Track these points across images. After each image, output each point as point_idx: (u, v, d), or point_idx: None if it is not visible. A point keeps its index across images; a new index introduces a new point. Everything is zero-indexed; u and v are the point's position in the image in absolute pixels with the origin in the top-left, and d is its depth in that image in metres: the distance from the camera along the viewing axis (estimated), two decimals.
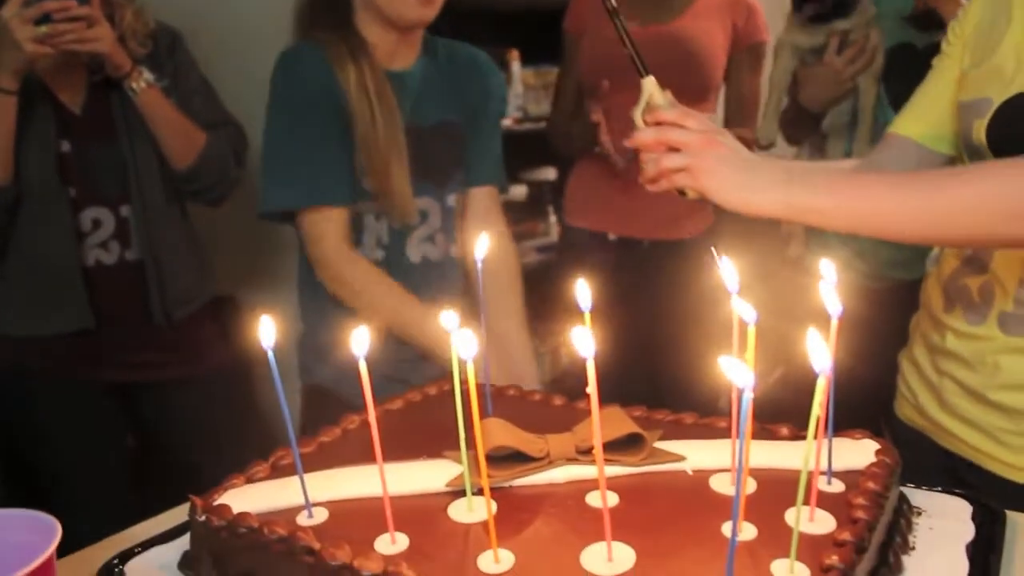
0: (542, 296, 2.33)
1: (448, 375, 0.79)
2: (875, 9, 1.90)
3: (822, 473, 0.86)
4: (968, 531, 0.90)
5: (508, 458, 0.88)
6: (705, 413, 1.03)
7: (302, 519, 0.83)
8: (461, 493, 0.85)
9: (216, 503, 0.85)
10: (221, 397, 1.96)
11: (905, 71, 1.78)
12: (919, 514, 0.93)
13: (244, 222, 2.32)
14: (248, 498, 0.87)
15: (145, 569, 0.89)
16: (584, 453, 0.89)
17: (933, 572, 0.81)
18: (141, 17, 1.82)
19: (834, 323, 0.79)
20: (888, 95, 1.91)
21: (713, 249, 0.92)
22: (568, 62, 2.40)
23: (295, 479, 0.85)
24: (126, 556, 0.92)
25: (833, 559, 0.71)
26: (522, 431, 0.90)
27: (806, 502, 0.78)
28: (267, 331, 0.81)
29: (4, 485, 1.85)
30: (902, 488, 0.94)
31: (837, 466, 0.88)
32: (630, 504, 0.83)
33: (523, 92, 2.58)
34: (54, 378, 1.82)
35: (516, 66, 2.76)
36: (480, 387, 1.04)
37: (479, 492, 0.81)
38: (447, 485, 0.87)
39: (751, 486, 0.85)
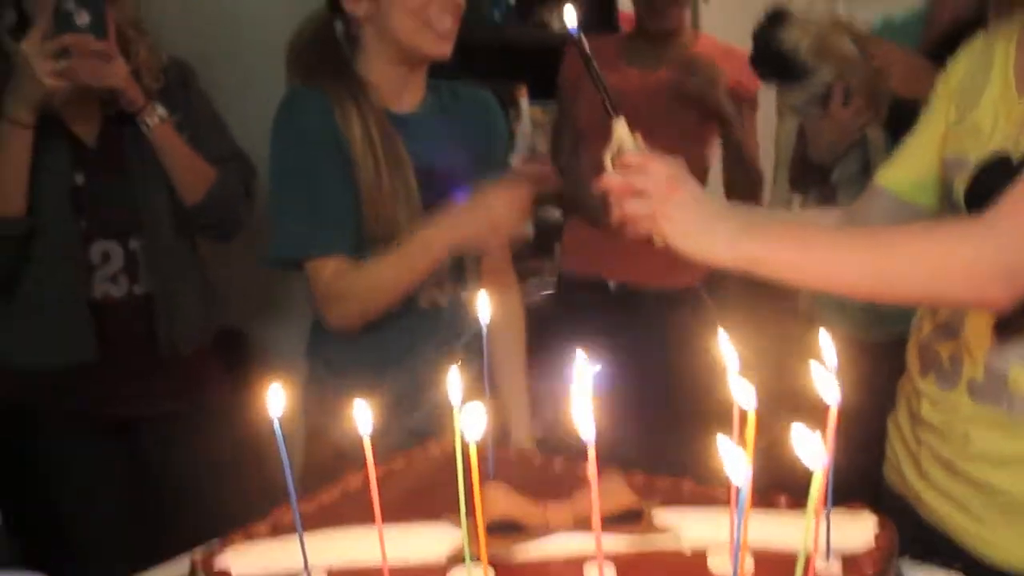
0: (545, 335, 2.34)
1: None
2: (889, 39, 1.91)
3: (820, 552, 0.86)
4: None
5: (508, 526, 0.88)
6: (706, 467, 1.03)
7: None
8: (460, 560, 0.85)
9: (217, 568, 0.85)
10: (224, 432, 1.96)
11: (910, 120, 1.78)
12: None
13: (252, 255, 2.34)
14: (248, 559, 0.87)
15: None
16: (583, 523, 0.89)
17: None
18: (154, 52, 1.84)
19: (833, 411, 0.79)
20: (893, 144, 1.91)
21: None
22: (564, 112, 2.43)
23: (295, 540, 0.86)
24: None
25: None
26: (522, 499, 0.91)
27: None
28: (275, 400, 0.81)
29: (4, 516, 1.86)
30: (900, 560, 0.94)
31: (835, 543, 0.88)
32: None
33: (531, 130, 2.59)
34: (58, 410, 1.82)
35: (524, 103, 2.78)
36: (482, 450, 1.05)
37: (478, 560, 0.81)
38: (447, 559, 0.87)
39: (748, 565, 0.86)
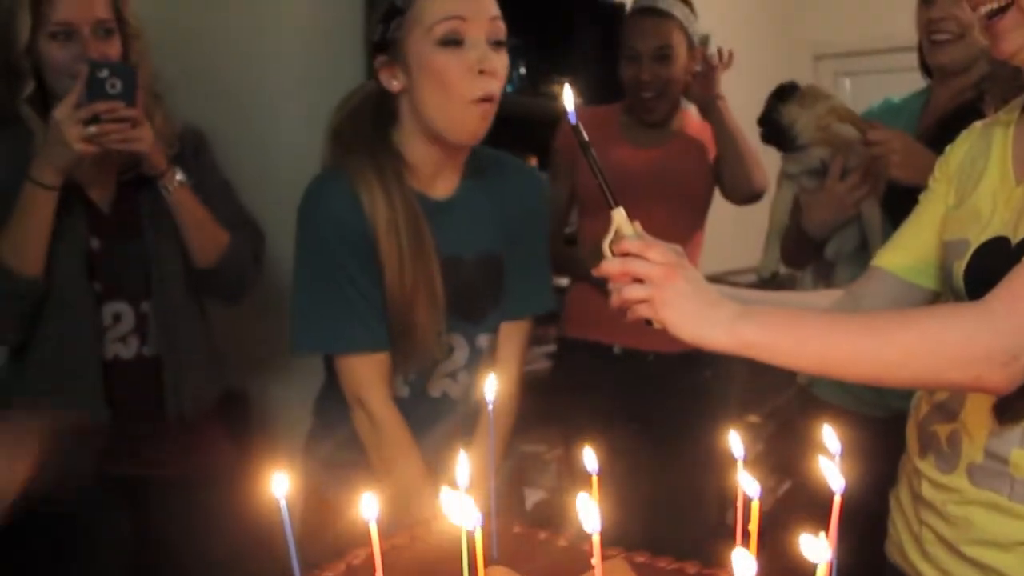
0: (549, 402, 2.35)
1: None
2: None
3: None
4: None
5: None
6: (713, 528, 1.03)
7: None
8: None
9: None
10: (226, 496, 1.96)
11: (908, 200, 1.81)
12: None
13: (257, 317, 2.36)
14: None
15: None
16: None
17: None
18: (169, 120, 1.89)
19: (836, 499, 0.80)
20: (891, 223, 1.93)
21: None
22: (559, 178, 2.47)
23: None
24: None
25: None
26: None
27: None
28: (280, 487, 0.82)
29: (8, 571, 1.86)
30: None
31: None
32: None
33: None
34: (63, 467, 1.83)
35: None
36: (486, 529, 1.05)
37: None
38: None
39: None
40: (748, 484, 0.78)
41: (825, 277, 2.06)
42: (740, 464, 0.87)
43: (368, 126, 1.59)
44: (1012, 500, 1.16)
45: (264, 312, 2.41)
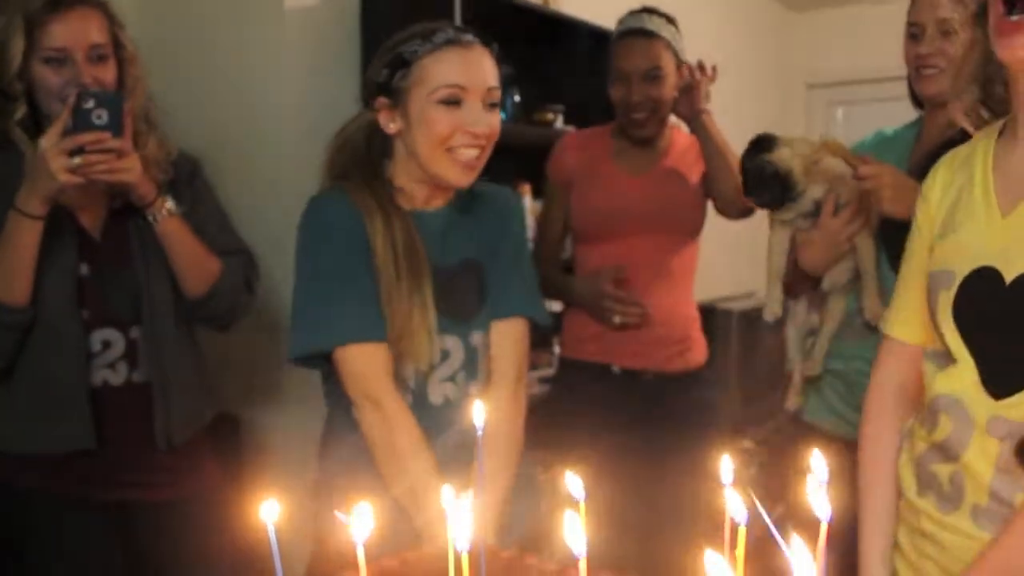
0: (546, 424, 2.35)
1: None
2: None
3: None
4: None
5: None
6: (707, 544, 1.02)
7: None
8: None
9: None
10: (216, 520, 1.95)
11: (901, 232, 1.82)
12: None
13: (246, 340, 2.36)
14: None
15: None
16: None
17: None
18: (163, 146, 1.88)
19: (823, 527, 0.80)
20: (887, 256, 1.93)
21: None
22: (553, 206, 2.49)
23: None
24: None
25: None
26: None
27: None
28: (270, 513, 0.81)
29: None
30: None
31: None
32: None
33: (533, 226, 2.64)
34: (46, 496, 1.82)
35: (528, 200, 2.84)
36: (474, 553, 1.05)
37: None
38: None
39: None
40: (735, 509, 0.78)
41: (818, 307, 2.06)
42: (727, 489, 0.87)
43: (362, 154, 1.69)
44: None
45: (257, 336, 2.42)
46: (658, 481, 2.33)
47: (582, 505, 0.84)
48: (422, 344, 1.62)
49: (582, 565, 0.68)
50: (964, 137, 1.74)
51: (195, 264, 1.86)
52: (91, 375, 1.81)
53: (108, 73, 1.78)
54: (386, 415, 1.59)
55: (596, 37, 2.93)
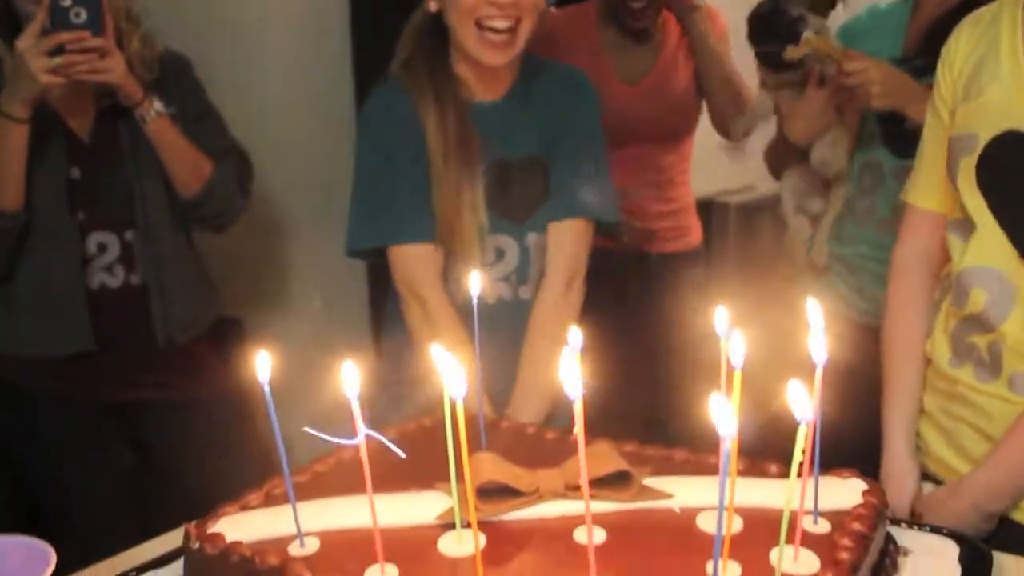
0: None
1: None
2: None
3: (808, 513, 0.87)
4: (954, 572, 0.91)
5: (498, 492, 0.89)
6: (704, 430, 1.02)
7: (294, 549, 0.85)
8: (451, 526, 0.86)
9: (210, 531, 0.86)
10: (221, 419, 1.97)
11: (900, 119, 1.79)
12: (905, 554, 0.94)
13: (249, 244, 2.36)
14: (242, 526, 0.88)
15: None
16: (573, 489, 0.90)
17: None
18: (148, 43, 1.84)
19: (819, 372, 0.80)
20: (888, 148, 1.91)
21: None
22: None
23: (288, 508, 0.87)
24: None
25: None
26: (513, 465, 0.92)
27: (790, 542, 0.79)
28: (263, 366, 0.82)
29: (2, 501, 1.87)
30: (889, 527, 0.95)
31: (824, 506, 0.89)
32: (617, 541, 0.84)
33: None
34: (55, 397, 1.84)
35: None
36: (473, 420, 1.06)
37: (469, 525, 0.82)
38: (437, 519, 0.88)
39: (737, 525, 0.86)
40: (733, 353, 0.78)
41: (811, 178, 2.04)
42: (722, 341, 0.87)
43: (422, 44, 1.64)
44: None
45: (261, 240, 2.42)
46: (660, 337, 2.33)
47: (577, 355, 0.84)
48: (471, 243, 1.59)
49: (577, 407, 0.68)
50: (966, 7, 1.70)
51: (187, 165, 1.84)
52: (89, 278, 1.81)
53: None
54: (428, 312, 1.60)
55: None
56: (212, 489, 1.65)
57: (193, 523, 0.89)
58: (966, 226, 1.27)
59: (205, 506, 0.94)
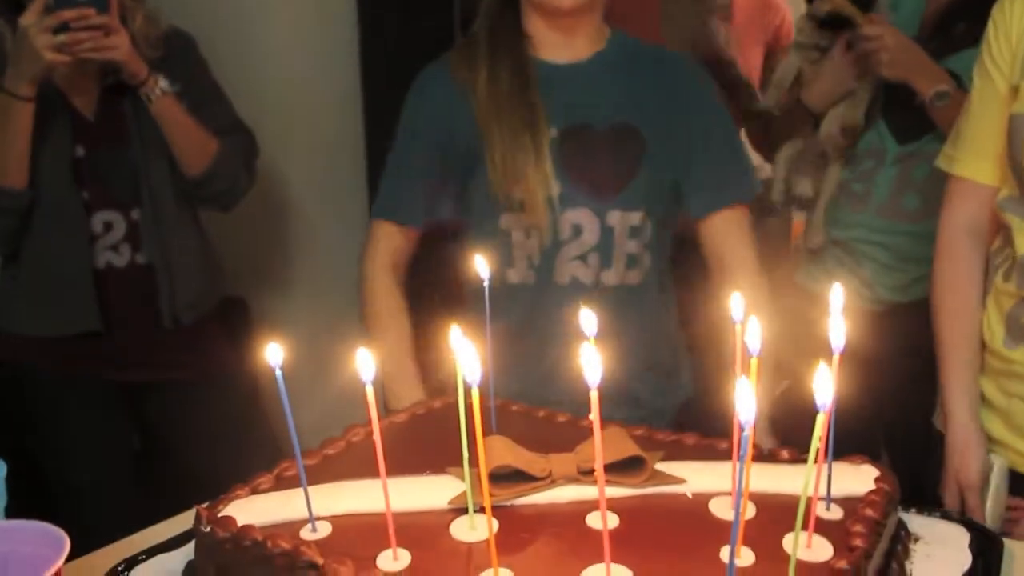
0: None
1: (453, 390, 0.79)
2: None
3: (821, 499, 0.86)
4: (965, 559, 0.91)
5: (511, 476, 0.89)
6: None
7: (306, 533, 0.84)
8: (464, 511, 0.86)
9: (221, 515, 0.86)
10: (228, 400, 1.98)
11: (909, 96, 1.78)
12: (917, 541, 0.93)
13: (255, 224, 2.35)
14: (253, 510, 0.88)
15: None
16: (586, 473, 0.90)
17: None
18: (152, 21, 1.83)
19: (835, 357, 0.79)
20: (889, 127, 1.90)
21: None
22: None
23: (299, 492, 0.86)
24: (132, 563, 0.93)
25: None
26: (525, 450, 0.91)
27: (804, 528, 0.79)
28: (274, 353, 0.81)
29: (10, 482, 1.87)
30: (901, 514, 0.95)
31: (836, 492, 0.89)
32: (630, 526, 0.84)
33: None
34: (62, 376, 1.84)
35: None
36: (484, 404, 1.05)
37: (481, 510, 0.82)
38: (449, 503, 0.88)
39: (750, 511, 0.86)
40: (750, 340, 0.77)
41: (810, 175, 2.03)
42: (738, 327, 0.86)
43: (495, 3, 1.56)
44: None
45: (266, 221, 2.41)
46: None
47: (592, 339, 0.83)
48: (538, 212, 1.48)
49: (593, 396, 0.68)
50: None
51: (192, 144, 1.84)
52: (95, 257, 1.81)
53: None
54: (369, 287, 1.59)
55: None
56: (219, 471, 1.66)
57: (204, 505, 0.89)
58: None
59: (212, 489, 0.93)
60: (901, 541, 0.90)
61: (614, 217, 1.52)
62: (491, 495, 0.82)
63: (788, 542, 0.80)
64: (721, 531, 0.83)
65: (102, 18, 1.63)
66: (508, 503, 0.88)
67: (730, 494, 0.89)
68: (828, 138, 1.95)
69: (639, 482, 0.90)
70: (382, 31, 2.50)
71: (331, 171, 2.53)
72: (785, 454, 0.98)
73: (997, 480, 1.31)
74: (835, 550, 0.79)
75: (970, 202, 1.37)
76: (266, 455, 1.59)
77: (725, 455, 0.97)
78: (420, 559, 0.80)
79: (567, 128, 1.50)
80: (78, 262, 1.79)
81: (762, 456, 0.98)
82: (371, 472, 0.82)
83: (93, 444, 1.88)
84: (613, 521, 0.84)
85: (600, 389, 0.66)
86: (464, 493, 0.85)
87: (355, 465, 0.95)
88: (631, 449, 0.91)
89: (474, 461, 0.77)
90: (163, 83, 1.78)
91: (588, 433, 0.92)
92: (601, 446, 0.69)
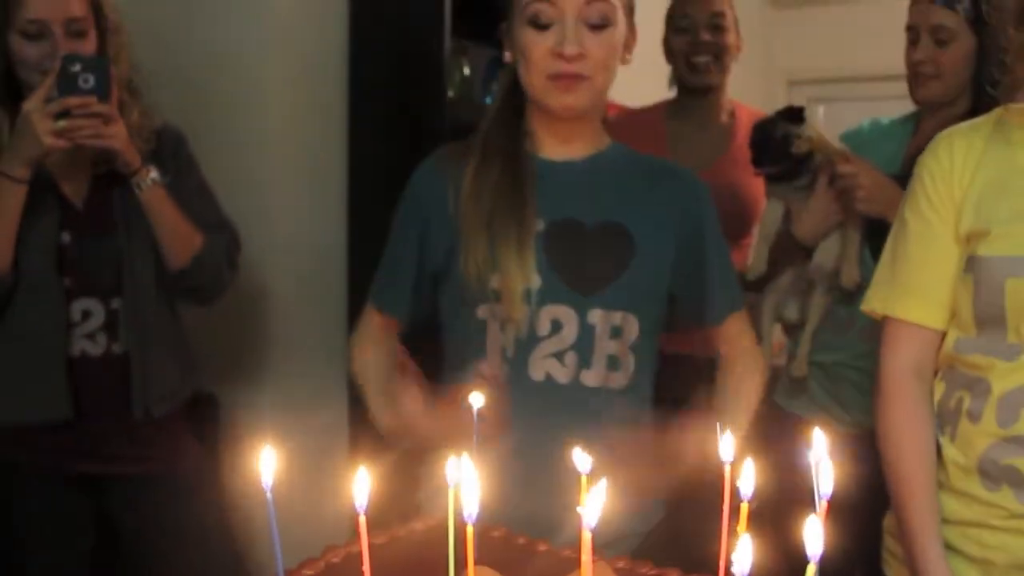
0: None
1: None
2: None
3: None
4: None
5: None
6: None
7: None
8: None
9: None
10: (191, 497, 1.93)
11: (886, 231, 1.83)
12: None
13: (228, 318, 2.34)
14: None
15: None
16: None
17: None
18: (147, 116, 1.86)
19: (822, 505, 0.79)
20: (869, 246, 1.94)
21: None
22: None
23: None
24: None
25: None
26: None
27: None
28: (267, 467, 0.77)
29: None
30: None
31: None
32: None
33: None
34: (24, 465, 1.80)
35: None
36: (465, 529, 1.04)
37: None
38: None
39: None
40: (741, 484, 0.78)
41: (798, 298, 2.06)
42: (727, 467, 0.86)
43: (502, 97, 1.60)
44: None
45: (238, 315, 2.39)
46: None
47: (584, 479, 0.83)
48: (514, 303, 1.46)
49: (585, 536, 0.67)
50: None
51: (178, 236, 1.84)
52: (70, 345, 1.79)
53: (87, 47, 1.75)
54: (357, 353, 1.63)
55: None
56: (177, 568, 1.63)
57: None
58: (1007, 347, 1.25)
59: None
60: None
61: (595, 315, 1.50)
62: None
63: None
64: None
65: (103, 106, 1.66)
66: None
67: None
68: (818, 270, 1.98)
69: None
70: (374, 130, 2.54)
71: (311, 263, 2.54)
72: None
73: None
74: None
75: (915, 345, 1.35)
76: (227, 563, 1.55)
77: None
78: None
79: (555, 221, 1.51)
80: (53, 349, 1.77)
81: None
82: None
83: (50, 534, 1.82)
84: None
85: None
86: None
87: None
88: None
89: None
90: (154, 173, 1.80)
91: (569, 564, 0.91)
92: None
